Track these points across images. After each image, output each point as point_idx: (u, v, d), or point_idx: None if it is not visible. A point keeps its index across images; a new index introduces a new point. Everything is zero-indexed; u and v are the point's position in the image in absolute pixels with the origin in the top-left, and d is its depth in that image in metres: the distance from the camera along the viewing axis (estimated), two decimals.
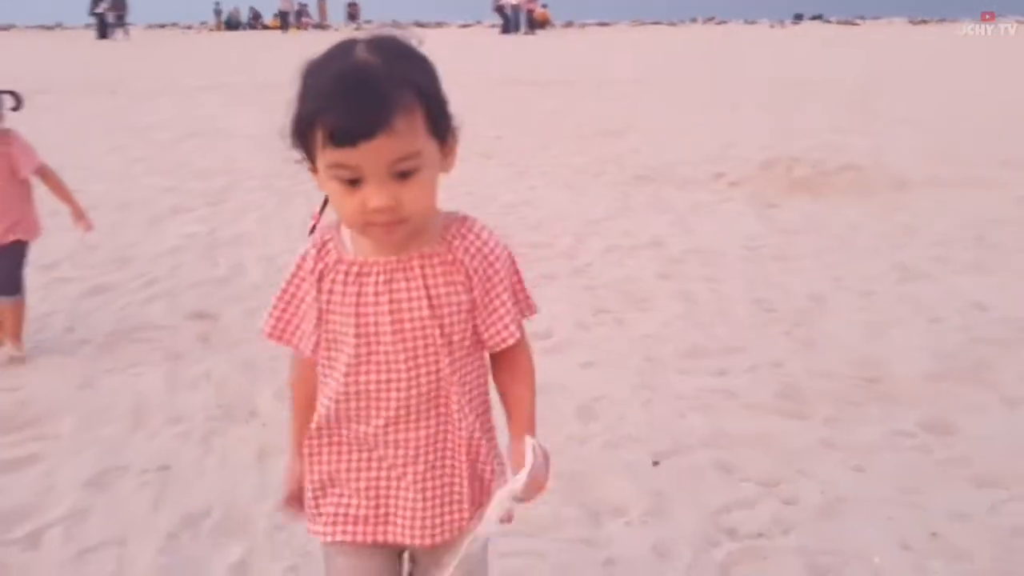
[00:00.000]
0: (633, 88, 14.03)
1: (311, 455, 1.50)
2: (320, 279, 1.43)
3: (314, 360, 1.48)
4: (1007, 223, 5.82)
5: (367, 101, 1.26)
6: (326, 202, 1.44)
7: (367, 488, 1.48)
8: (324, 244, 1.45)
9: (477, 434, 1.48)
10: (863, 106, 11.35)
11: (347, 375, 1.44)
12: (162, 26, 33.00)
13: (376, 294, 1.41)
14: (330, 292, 1.43)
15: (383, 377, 1.43)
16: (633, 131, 9.85)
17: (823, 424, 3.11)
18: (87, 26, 31.88)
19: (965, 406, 3.23)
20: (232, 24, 31.63)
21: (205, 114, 11.67)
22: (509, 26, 28.27)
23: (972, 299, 4.37)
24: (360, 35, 1.34)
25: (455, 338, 1.44)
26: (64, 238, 4.95)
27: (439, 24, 34.27)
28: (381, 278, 1.41)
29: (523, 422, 1.48)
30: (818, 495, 2.66)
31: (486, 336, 1.47)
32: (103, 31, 27.03)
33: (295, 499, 1.58)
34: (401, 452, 1.46)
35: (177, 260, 5.27)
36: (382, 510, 1.49)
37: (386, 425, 1.45)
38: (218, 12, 32.11)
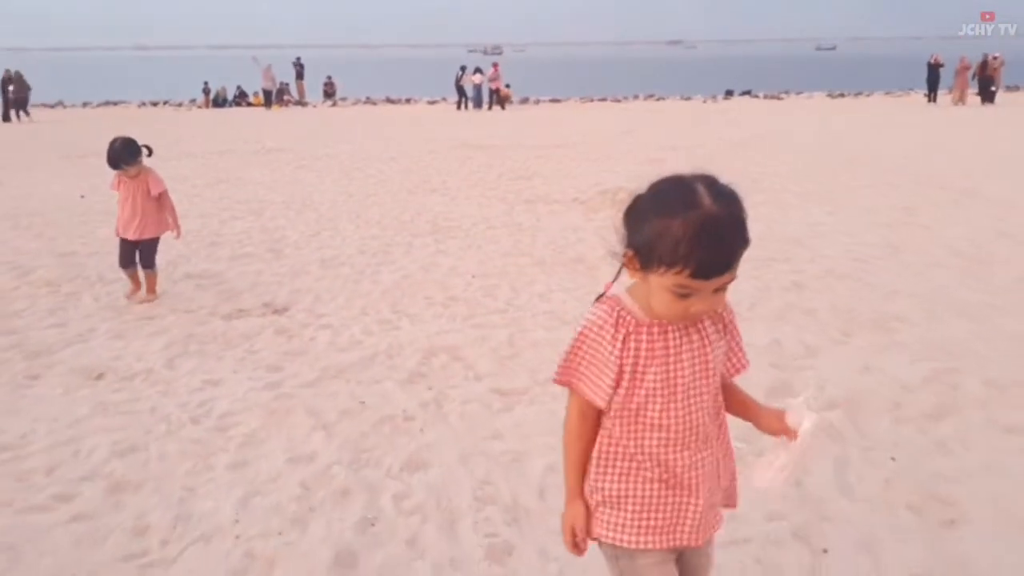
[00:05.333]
0: (554, 150, 19.05)
1: (649, 488, 2.07)
2: (624, 341, 1.99)
3: (596, 411, 2.06)
4: None
5: (725, 251, 1.86)
6: (617, 276, 2.05)
7: (665, 506, 2.07)
8: (620, 315, 2.00)
9: (730, 447, 2.16)
10: (708, 161, 16.40)
11: (672, 420, 2.03)
12: (155, 104, 38.17)
13: (677, 347, 2.01)
14: (636, 350, 1.99)
15: (694, 413, 2.04)
16: (537, 176, 14.77)
17: (539, 264, 8.01)
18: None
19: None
20: (219, 102, 36.82)
21: (223, 170, 16.42)
22: (466, 103, 33.61)
23: None
24: (695, 177, 1.93)
25: (720, 373, 2.09)
26: (187, 229, 9.82)
27: (408, 100, 39.56)
28: (679, 334, 2.01)
29: (756, 402, 2.20)
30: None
31: (734, 365, 2.14)
32: (6, 113, 28.82)
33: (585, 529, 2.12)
34: (696, 473, 2.06)
35: (248, 235, 10.10)
36: (673, 522, 2.08)
37: (694, 451, 2.06)
38: (207, 91, 37.35)
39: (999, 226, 9.63)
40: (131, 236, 7.10)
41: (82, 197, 12.70)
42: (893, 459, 4.11)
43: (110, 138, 7.24)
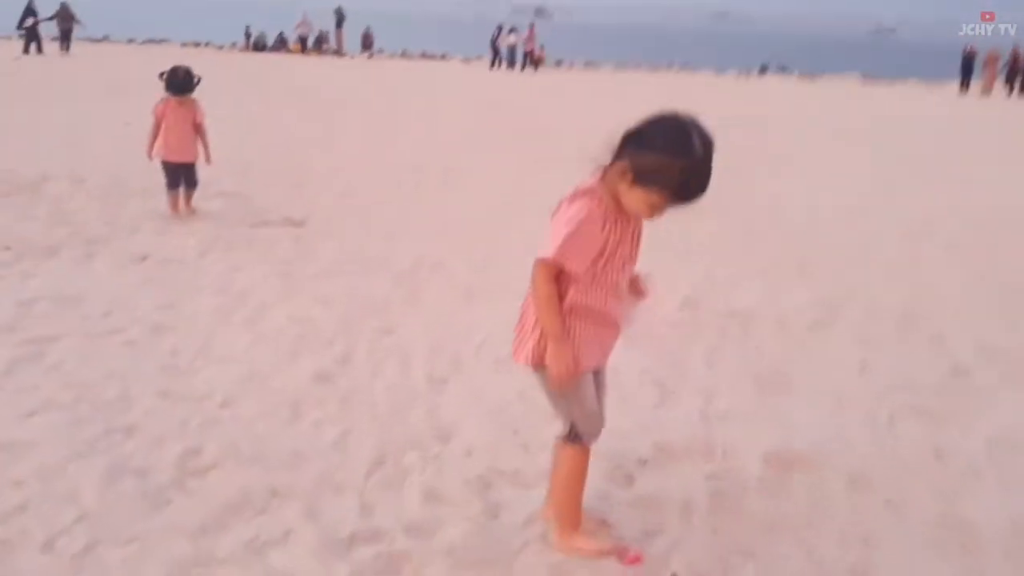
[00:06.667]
0: (574, 111, 20.14)
1: (588, 327, 2.92)
2: (609, 230, 2.79)
3: (561, 278, 2.84)
4: None
5: (703, 189, 2.72)
6: (601, 177, 2.82)
7: (596, 339, 2.96)
8: (607, 210, 2.79)
9: None
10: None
11: (621, 279, 2.91)
12: (196, 44, 39.54)
13: (634, 232, 2.89)
14: (615, 235, 2.82)
15: (627, 275, 2.96)
16: (550, 134, 15.89)
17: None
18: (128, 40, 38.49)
19: None
20: (259, 46, 38.16)
21: (259, 109, 17.67)
22: (499, 62, 34.71)
23: None
24: (690, 123, 2.72)
25: None
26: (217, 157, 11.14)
27: (443, 57, 40.65)
28: (635, 221, 2.88)
29: None
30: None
31: None
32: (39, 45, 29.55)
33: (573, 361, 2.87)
34: (618, 315, 2.98)
35: (278, 166, 11.33)
36: (601, 350, 3.02)
37: (621, 301, 2.98)
38: (248, 35, 38.71)
39: (958, 202, 10.71)
40: (179, 159, 8.06)
41: (127, 124, 14.01)
42: (758, 348, 5.32)
43: (156, 72, 8.36)
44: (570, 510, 3.19)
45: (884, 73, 41.17)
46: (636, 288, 3.15)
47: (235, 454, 3.76)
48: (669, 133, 2.73)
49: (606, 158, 2.83)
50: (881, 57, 60.42)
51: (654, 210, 2.81)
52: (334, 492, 3.52)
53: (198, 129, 8.21)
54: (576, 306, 2.89)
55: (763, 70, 40.28)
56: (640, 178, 2.74)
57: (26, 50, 29.34)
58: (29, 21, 29.80)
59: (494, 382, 4.64)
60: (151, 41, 40.15)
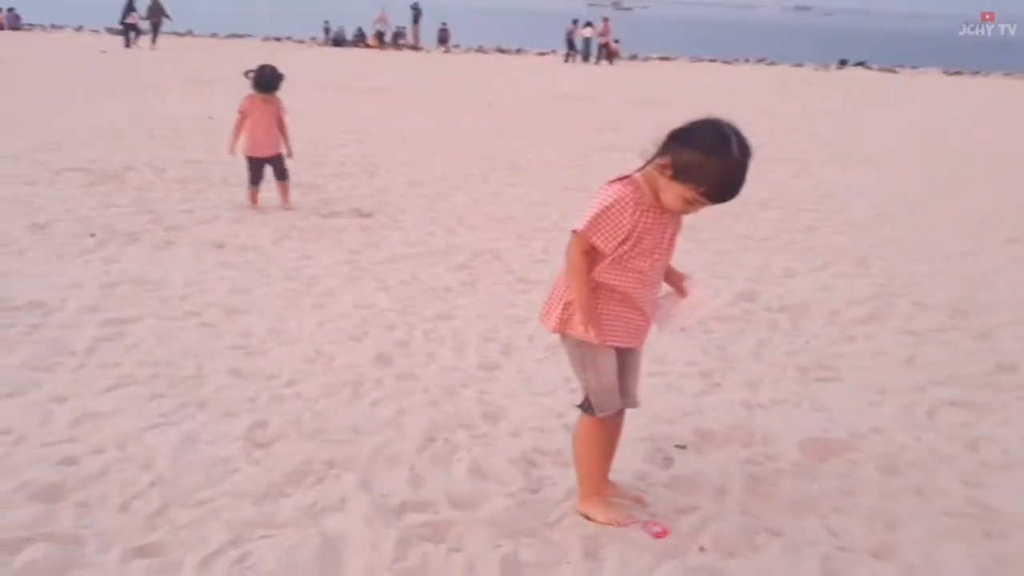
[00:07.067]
0: (648, 105, 20.19)
1: (612, 307, 3.13)
2: (639, 217, 2.98)
3: (593, 254, 3.05)
4: None
5: (736, 191, 2.92)
6: (642, 169, 3.02)
7: (623, 320, 3.15)
8: (640, 197, 2.98)
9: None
10: (778, 129, 17.39)
11: (648, 268, 3.08)
12: (278, 39, 40.41)
13: (665, 225, 3.05)
14: (644, 223, 3.00)
15: (660, 267, 3.13)
16: (621, 128, 16.01)
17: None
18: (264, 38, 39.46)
19: None
20: (338, 41, 38.87)
21: (335, 104, 18.08)
22: (575, 56, 34.81)
23: None
24: (729, 128, 2.90)
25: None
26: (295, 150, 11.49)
27: (519, 51, 40.89)
28: (668, 216, 3.05)
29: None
30: None
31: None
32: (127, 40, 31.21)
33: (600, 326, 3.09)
34: (648, 302, 3.18)
35: (350, 159, 11.66)
36: (627, 331, 3.18)
37: (652, 289, 3.17)
38: (327, 30, 39.46)
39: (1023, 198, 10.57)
40: (264, 153, 8.32)
41: (211, 118, 14.50)
42: (807, 342, 5.41)
43: (239, 67, 8.69)
44: (587, 477, 3.39)
45: (967, 66, 40.19)
46: (679, 287, 3.32)
47: (298, 428, 4.02)
48: (710, 135, 2.91)
49: (651, 152, 3.03)
50: (966, 50, 58.73)
51: (688, 206, 3.00)
52: (387, 465, 3.74)
53: (280, 125, 8.48)
54: (600, 284, 3.11)
55: (842, 63, 39.63)
56: (679, 174, 2.92)
57: (128, 44, 30.62)
58: (131, 17, 31.07)
59: (543, 368, 4.83)
60: (233, 36, 41.16)
